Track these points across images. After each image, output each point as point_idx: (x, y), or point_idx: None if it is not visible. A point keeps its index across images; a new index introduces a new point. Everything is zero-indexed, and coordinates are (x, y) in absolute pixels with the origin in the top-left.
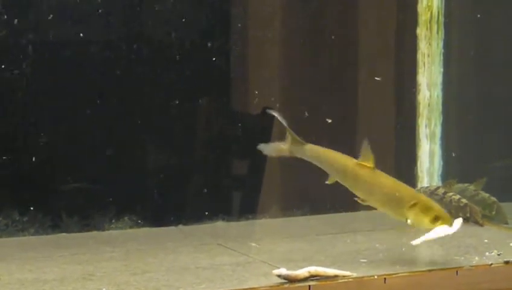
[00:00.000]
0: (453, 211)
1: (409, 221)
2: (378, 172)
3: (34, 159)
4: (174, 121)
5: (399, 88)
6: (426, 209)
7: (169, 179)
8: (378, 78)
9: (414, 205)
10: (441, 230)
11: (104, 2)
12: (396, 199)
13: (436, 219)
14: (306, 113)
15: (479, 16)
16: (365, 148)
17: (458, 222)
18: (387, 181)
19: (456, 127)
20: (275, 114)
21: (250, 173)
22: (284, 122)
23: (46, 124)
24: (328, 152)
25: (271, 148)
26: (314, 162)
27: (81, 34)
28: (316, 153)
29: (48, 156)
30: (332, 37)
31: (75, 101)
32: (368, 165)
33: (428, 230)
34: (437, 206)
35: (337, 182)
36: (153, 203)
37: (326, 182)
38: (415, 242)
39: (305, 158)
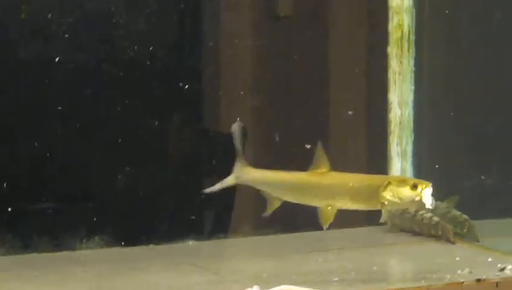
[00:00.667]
0: (425, 229)
1: (386, 203)
2: (336, 173)
3: (3, 179)
4: (144, 140)
5: (370, 106)
6: (403, 182)
7: (140, 198)
8: (350, 112)
9: (388, 183)
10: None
11: (72, 22)
12: (368, 188)
13: (415, 186)
14: (277, 138)
15: (450, 33)
16: (318, 153)
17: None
18: (352, 176)
19: (428, 145)
20: (236, 132)
21: (221, 192)
22: (239, 144)
23: (15, 144)
24: (279, 173)
25: (218, 186)
26: (264, 187)
27: (49, 54)
28: (266, 177)
29: (18, 176)
30: (303, 55)
31: (45, 120)
32: (325, 169)
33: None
34: (411, 177)
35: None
36: (123, 223)
37: (265, 214)
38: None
39: (256, 184)
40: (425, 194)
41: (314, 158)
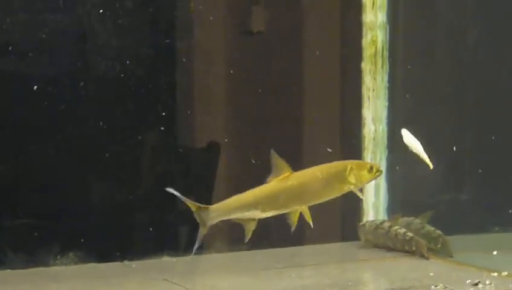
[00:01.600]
0: (399, 245)
1: (352, 187)
2: (299, 172)
3: None
4: (119, 157)
5: (344, 122)
6: (362, 165)
7: (114, 214)
8: (330, 150)
9: (351, 168)
10: None
11: (47, 37)
12: (334, 176)
13: (371, 169)
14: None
15: (423, 49)
16: (275, 160)
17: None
18: (315, 170)
19: (401, 161)
20: (174, 192)
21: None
22: (180, 196)
23: None
24: (238, 197)
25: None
26: (237, 215)
27: (25, 69)
28: (227, 206)
29: None
30: (277, 71)
31: (18, 136)
32: (287, 173)
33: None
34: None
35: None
36: (98, 239)
37: (245, 241)
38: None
39: (217, 220)
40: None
41: (272, 166)
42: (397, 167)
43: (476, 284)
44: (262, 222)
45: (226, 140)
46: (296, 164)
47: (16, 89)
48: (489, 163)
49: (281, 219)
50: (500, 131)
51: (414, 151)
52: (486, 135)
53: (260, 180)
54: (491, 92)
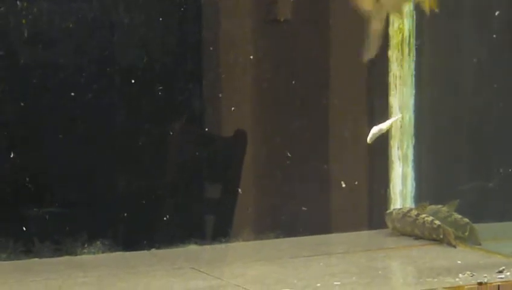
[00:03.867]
0: (426, 232)
1: None
2: None
3: (4, 184)
4: (146, 145)
5: (371, 110)
6: None
7: (141, 203)
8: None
9: None
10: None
11: (73, 27)
12: None
13: None
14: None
15: (451, 36)
16: None
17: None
18: None
19: (429, 149)
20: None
21: (222, 196)
22: None
23: (16, 148)
24: None
25: None
26: None
27: (51, 58)
28: None
29: (19, 181)
30: (304, 59)
31: (45, 125)
32: None
33: None
34: None
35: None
36: (125, 228)
37: None
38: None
39: None
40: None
41: None
42: (424, 155)
43: (501, 271)
44: (289, 211)
45: (251, 129)
46: (323, 153)
47: (41, 78)
48: None
49: (308, 207)
50: None
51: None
52: None
53: (287, 169)
54: None
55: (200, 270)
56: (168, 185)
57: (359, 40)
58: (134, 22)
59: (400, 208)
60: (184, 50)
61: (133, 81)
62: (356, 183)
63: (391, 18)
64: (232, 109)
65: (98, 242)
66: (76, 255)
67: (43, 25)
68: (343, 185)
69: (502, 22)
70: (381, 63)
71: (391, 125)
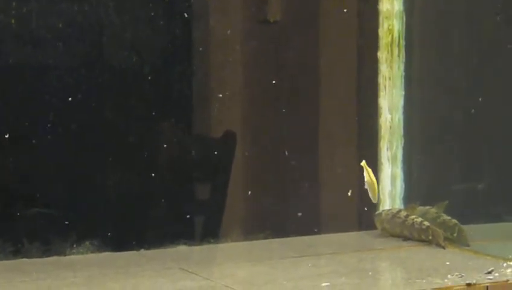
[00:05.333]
0: (415, 234)
1: None
2: None
3: None
4: (135, 145)
5: (361, 111)
6: None
7: (130, 203)
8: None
9: None
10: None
11: (64, 27)
12: None
13: None
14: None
15: (440, 37)
16: None
17: None
18: None
19: (418, 150)
20: None
21: (211, 196)
22: None
23: (4, 148)
24: None
25: None
26: None
27: (41, 59)
28: None
29: (8, 181)
30: (294, 60)
31: (35, 125)
32: None
33: None
34: None
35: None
36: (114, 228)
37: None
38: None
39: None
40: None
41: None
42: (413, 156)
43: (490, 272)
44: (278, 212)
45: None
46: (313, 153)
47: (30, 78)
48: (505, 152)
49: (297, 208)
50: None
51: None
52: (503, 124)
53: (277, 170)
54: (510, 81)
55: (189, 271)
56: (157, 185)
57: (349, 40)
58: (124, 22)
59: (389, 209)
60: (174, 50)
61: (122, 81)
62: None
63: (381, 18)
64: (222, 109)
65: (87, 242)
66: (65, 255)
67: (32, 24)
68: (349, 194)
69: (492, 22)
70: (370, 64)
71: (369, 176)
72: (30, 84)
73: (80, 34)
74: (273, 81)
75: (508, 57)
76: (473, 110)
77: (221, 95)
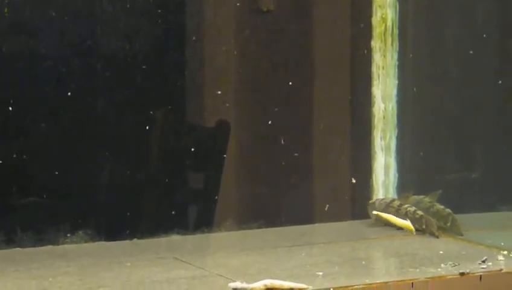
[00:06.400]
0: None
1: None
2: None
3: None
4: (129, 134)
5: (354, 100)
6: None
7: (124, 192)
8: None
9: None
10: None
11: (55, 16)
12: None
13: None
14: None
15: (434, 27)
16: None
17: None
18: None
19: (411, 139)
20: None
21: (205, 186)
22: None
23: None
24: None
25: None
26: None
27: (33, 48)
28: None
29: (1, 171)
30: (287, 50)
31: (27, 115)
32: None
33: None
34: None
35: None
36: (107, 217)
37: None
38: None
39: None
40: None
41: None
42: (407, 146)
43: (483, 262)
44: (272, 201)
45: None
46: (306, 143)
47: (23, 67)
48: (499, 142)
49: (291, 198)
50: (510, 109)
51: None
52: (496, 113)
53: (267, 157)
54: (503, 70)
55: (182, 260)
56: (151, 174)
57: (342, 29)
58: (117, 11)
59: (383, 199)
60: (167, 39)
61: (115, 70)
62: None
63: (374, 7)
64: (215, 98)
65: (81, 232)
66: (58, 244)
67: (26, 13)
68: (353, 181)
69: (486, 12)
70: (364, 53)
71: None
72: (22, 74)
73: (72, 22)
74: (267, 71)
75: (501, 46)
76: (467, 99)
77: (214, 85)
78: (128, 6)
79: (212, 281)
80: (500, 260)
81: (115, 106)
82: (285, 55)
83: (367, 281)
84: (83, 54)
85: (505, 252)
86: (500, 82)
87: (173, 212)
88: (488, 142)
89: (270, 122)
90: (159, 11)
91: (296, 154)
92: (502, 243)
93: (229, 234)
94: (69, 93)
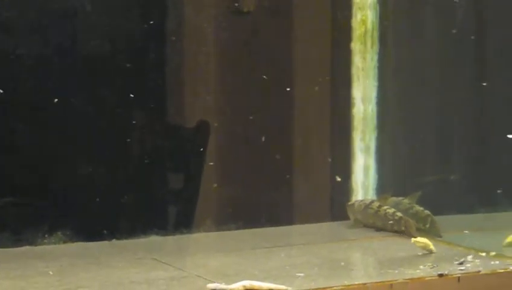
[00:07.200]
0: (388, 224)
1: None
2: None
3: None
4: (108, 134)
5: (334, 102)
6: None
7: (102, 193)
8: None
9: None
10: None
11: (34, 15)
12: None
13: None
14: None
15: (414, 29)
16: None
17: None
18: None
19: (391, 141)
20: None
21: (184, 187)
22: None
23: None
24: None
25: None
26: None
27: (13, 47)
28: None
29: None
30: (267, 51)
31: (5, 114)
32: None
33: None
34: None
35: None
36: (86, 218)
37: None
38: None
39: None
40: None
41: None
42: (386, 147)
43: (461, 263)
44: (251, 202)
45: (213, 119)
46: (286, 143)
47: (1, 67)
48: (477, 143)
49: (270, 199)
50: (489, 112)
51: None
52: (475, 115)
53: (248, 158)
54: (481, 72)
55: (161, 261)
56: (130, 175)
57: (323, 31)
58: (97, 11)
59: (362, 200)
60: (147, 39)
61: (94, 69)
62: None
63: (354, 9)
64: (195, 99)
65: (59, 232)
66: (36, 245)
67: (4, 13)
68: (339, 180)
69: (466, 15)
70: (344, 55)
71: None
72: (0, 73)
73: (52, 21)
74: (247, 72)
75: (480, 49)
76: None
77: (194, 85)
78: (108, 5)
79: (191, 282)
80: (478, 261)
81: (94, 106)
82: (265, 56)
83: (346, 282)
84: (62, 53)
85: (483, 254)
86: (483, 84)
87: (152, 213)
88: (467, 144)
89: (250, 123)
90: (139, 11)
91: (277, 156)
92: (480, 245)
93: (208, 235)
94: (47, 93)
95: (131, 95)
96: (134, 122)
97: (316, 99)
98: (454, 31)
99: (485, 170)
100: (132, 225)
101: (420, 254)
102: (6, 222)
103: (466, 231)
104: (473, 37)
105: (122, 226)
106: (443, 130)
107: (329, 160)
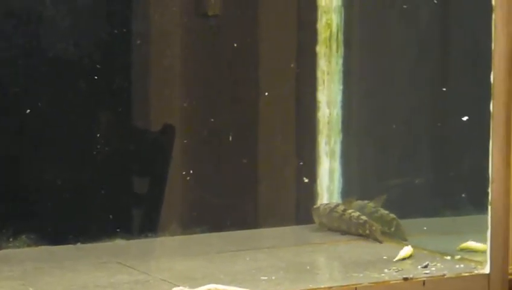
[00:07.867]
0: (353, 228)
1: None
2: None
3: None
4: (72, 137)
5: (299, 106)
6: None
7: (67, 196)
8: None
9: None
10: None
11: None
12: None
13: None
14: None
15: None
16: None
17: None
18: None
19: (356, 144)
20: None
21: (150, 190)
22: None
23: None
24: None
25: None
26: None
27: None
28: None
29: None
30: (233, 54)
31: None
32: None
33: None
34: None
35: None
36: (51, 222)
37: None
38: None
39: None
40: None
41: None
42: (351, 151)
43: (425, 267)
44: (216, 206)
45: (179, 123)
46: (251, 147)
47: None
48: (443, 147)
49: (235, 202)
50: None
51: None
52: (440, 118)
53: (214, 164)
54: (446, 75)
55: (126, 265)
56: (95, 179)
57: (288, 34)
58: (62, 13)
59: (327, 203)
60: (112, 42)
61: (59, 72)
62: (284, 177)
63: (319, 13)
64: (160, 102)
65: (23, 236)
66: (1, 249)
67: None
68: (306, 181)
69: (431, 18)
70: (309, 59)
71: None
72: None
73: (16, 24)
74: (212, 75)
75: (445, 52)
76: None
77: (159, 88)
78: (73, 8)
79: (156, 286)
80: (443, 265)
81: (59, 108)
82: (231, 60)
83: (311, 286)
84: (26, 56)
85: (448, 257)
86: (444, 89)
87: (117, 217)
88: (432, 147)
89: (214, 126)
90: (105, 14)
91: (243, 160)
92: (445, 248)
93: (173, 239)
94: (12, 95)
95: (96, 98)
96: (99, 125)
97: (281, 103)
98: (419, 34)
99: (451, 173)
100: (97, 228)
101: (385, 257)
102: None
103: (430, 234)
104: (437, 39)
105: (87, 230)
106: (408, 134)
107: (295, 164)
